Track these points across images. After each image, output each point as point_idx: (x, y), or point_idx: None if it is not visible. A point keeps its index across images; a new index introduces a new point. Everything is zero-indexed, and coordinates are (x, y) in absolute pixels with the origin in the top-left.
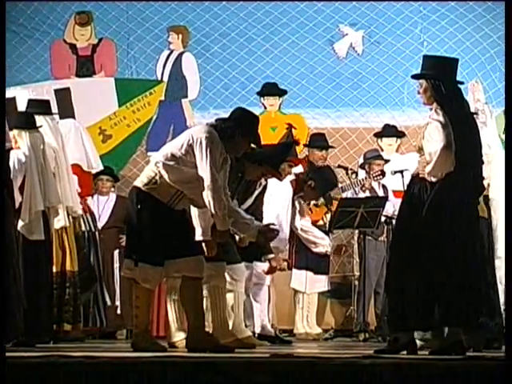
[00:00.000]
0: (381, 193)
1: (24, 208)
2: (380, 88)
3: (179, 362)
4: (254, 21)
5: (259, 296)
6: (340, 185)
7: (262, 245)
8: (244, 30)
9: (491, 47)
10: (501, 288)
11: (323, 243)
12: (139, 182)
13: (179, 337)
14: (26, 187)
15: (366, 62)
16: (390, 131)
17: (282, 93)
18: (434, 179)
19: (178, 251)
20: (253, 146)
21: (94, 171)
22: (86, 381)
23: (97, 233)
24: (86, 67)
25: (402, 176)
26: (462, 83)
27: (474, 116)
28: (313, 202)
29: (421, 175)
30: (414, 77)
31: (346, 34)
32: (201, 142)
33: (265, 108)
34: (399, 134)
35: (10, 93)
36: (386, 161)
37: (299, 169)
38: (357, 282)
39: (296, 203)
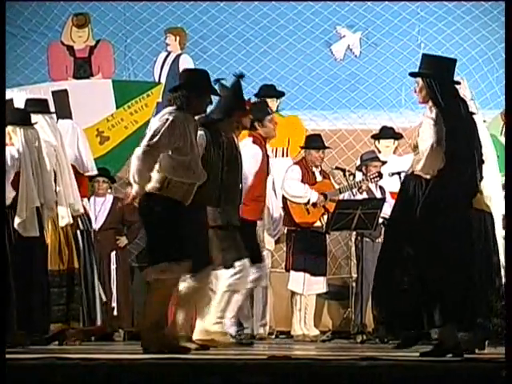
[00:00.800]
0: (378, 194)
1: (20, 205)
2: (377, 90)
3: (177, 363)
4: (252, 22)
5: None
6: (337, 186)
7: None
8: (241, 32)
9: (489, 49)
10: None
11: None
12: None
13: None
14: (21, 184)
15: (363, 63)
16: (387, 133)
17: (279, 95)
18: (427, 176)
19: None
20: None
21: (87, 174)
22: (83, 383)
23: (92, 233)
24: (83, 69)
25: (400, 178)
26: (458, 83)
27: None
28: (311, 202)
29: (415, 172)
30: (412, 74)
31: (344, 36)
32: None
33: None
34: (397, 136)
35: (7, 94)
36: (383, 162)
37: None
38: (354, 284)
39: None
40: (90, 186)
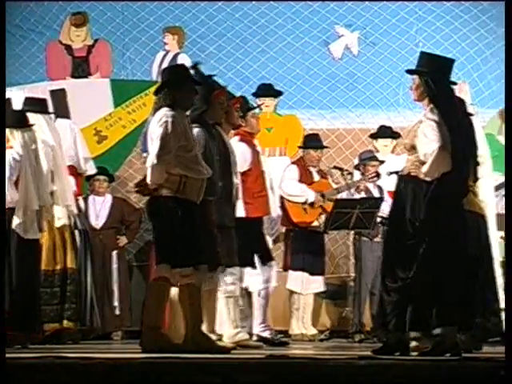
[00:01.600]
0: (376, 193)
1: (18, 207)
2: (375, 89)
3: (174, 362)
4: (250, 22)
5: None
6: (335, 186)
7: None
8: (239, 31)
9: (487, 48)
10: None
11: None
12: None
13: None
14: (20, 186)
15: (361, 62)
16: (385, 132)
17: (277, 94)
18: (428, 179)
19: None
20: None
21: (86, 174)
22: (82, 382)
23: (90, 232)
24: (81, 68)
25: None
26: (455, 84)
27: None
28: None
29: (413, 173)
30: (409, 72)
31: (342, 35)
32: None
33: (260, 109)
34: (395, 135)
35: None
36: (381, 162)
37: None
38: (352, 283)
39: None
40: (89, 185)
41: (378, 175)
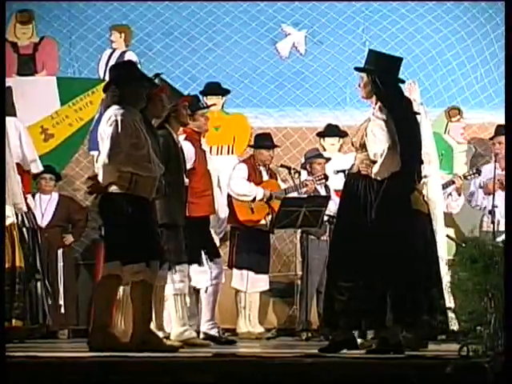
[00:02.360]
0: (323, 192)
1: None
2: (323, 88)
3: (123, 361)
4: (197, 20)
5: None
6: (284, 186)
7: None
8: (187, 29)
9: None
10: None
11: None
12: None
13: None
14: None
15: (308, 61)
16: (332, 131)
17: (224, 92)
18: (379, 178)
19: None
20: None
21: (32, 172)
22: (29, 381)
23: (38, 231)
24: (27, 66)
25: (345, 175)
26: (403, 82)
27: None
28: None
29: (363, 172)
30: (357, 69)
31: (289, 34)
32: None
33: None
34: (341, 134)
35: None
36: (327, 159)
37: None
38: (299, 282)
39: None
40: (35, 183)
41: (326, 178)
